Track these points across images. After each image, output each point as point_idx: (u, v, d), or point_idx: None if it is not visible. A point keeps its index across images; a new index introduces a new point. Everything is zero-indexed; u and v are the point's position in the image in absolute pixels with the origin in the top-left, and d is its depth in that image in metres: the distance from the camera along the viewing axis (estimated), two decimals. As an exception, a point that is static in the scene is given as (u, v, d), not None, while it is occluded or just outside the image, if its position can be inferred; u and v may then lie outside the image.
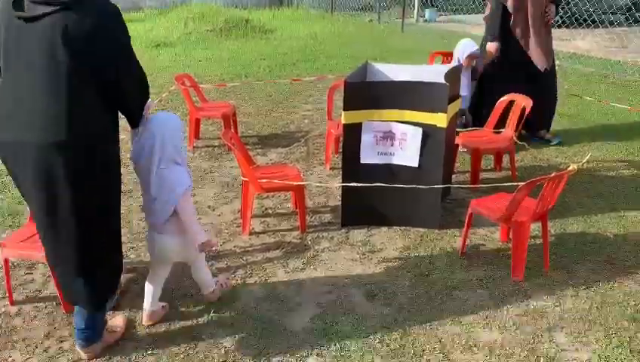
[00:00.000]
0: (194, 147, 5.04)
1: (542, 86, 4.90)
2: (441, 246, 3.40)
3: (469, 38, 4.91)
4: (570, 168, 2.84)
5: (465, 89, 4.63)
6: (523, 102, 4.20)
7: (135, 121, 2.39)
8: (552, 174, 2.87)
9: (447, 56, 6.16)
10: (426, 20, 14.18)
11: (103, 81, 2.14)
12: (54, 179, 2.10)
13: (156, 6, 13.75)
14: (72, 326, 2.60)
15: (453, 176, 4.26)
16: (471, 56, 4.69)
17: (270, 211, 3.89)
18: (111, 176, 2.32)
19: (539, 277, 3.06)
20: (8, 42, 2.08)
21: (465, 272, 3.12)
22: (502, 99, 4.38)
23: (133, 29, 10.61)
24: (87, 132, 2.13)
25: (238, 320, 2.73)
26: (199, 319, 2.74)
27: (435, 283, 3.02)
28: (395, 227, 3.61)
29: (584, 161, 3.36)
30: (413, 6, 14.33)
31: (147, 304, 2.68)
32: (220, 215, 3.83)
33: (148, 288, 2.67)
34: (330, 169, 4.56)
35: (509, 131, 4.26)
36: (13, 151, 2.12)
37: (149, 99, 2.42)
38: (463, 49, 4.71)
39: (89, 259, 2.27)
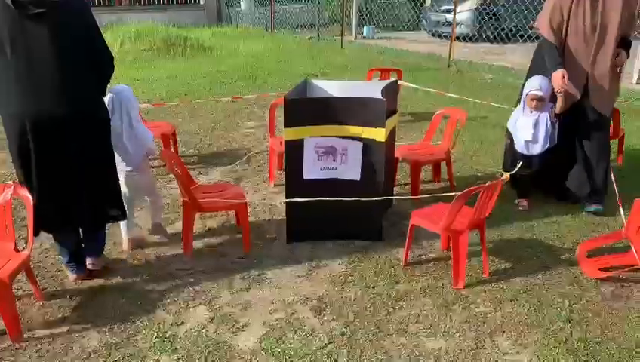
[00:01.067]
0: (133, 168, 4.90)
1: (597, 139, 4.00)
2: (385, 258, 3.45)
3: (540, 76, 3.87)
4: (504, 177, 2.96)
5: (526, 131, 3.88)
6: (458, 115, 4.35)
7: (104, 88, 3.09)
8: (487, 183, 2.98)
9: (384, 72, 6.33)
10: (364, 37, 14.49)
11: (88, 50, 2.88)
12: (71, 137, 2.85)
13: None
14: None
15: (395, 188, 4.35)
16: (532, 97, 3.84)
17: (213, 231, 3.82)
18: (107, 135, 3.10)
19: (479, 284, 3.15)
20: (14, 33, 2.68)
21: (409, 282, 3.18)
22: (437, 112, 4.53)
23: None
24: (85, 103, 2.93)
25: (183, 344, 2.66)
26: (142, 344, 2.65)
27: (380, 295, 3.05)
28: (339, 241, 3.63)
29: (516, 169, 3.51)
30: (352, 23, 14.62)
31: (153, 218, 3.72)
32: (160, 237, 3.73)
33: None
34: (275, 186, 4.55)
35: (445, 144, 4.39)
36: (34, 119, 2.74)
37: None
38: (527, 87, 3.93)
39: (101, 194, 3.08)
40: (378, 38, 14.29)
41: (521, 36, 10.67)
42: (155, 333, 2.73)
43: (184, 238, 3.53)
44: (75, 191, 2.94)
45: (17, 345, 2.62)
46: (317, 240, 3.63)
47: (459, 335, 2.72)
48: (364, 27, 14.79)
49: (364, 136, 3.43)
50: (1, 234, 2.91)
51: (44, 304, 2.96)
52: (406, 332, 2.75)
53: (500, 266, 3.34)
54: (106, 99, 3.15)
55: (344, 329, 2.77)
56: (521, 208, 4.11)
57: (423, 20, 15.07)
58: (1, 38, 2.67)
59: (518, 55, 9.80)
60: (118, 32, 11.94)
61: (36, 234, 2.91)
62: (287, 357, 2.57)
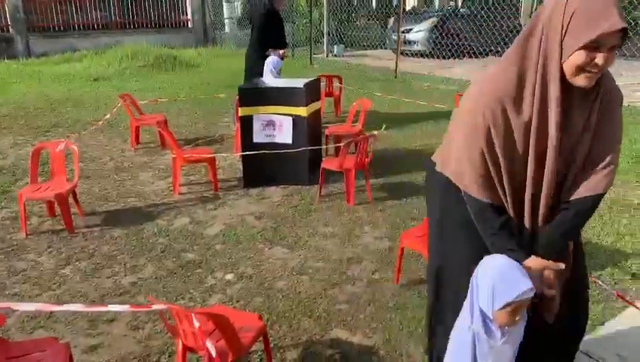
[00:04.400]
0: (134, 148, 6.64)
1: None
2: (308, 193, 5.19)
3: (505, 264, 1.94)
4: (375, 133, 4.72)
5: None
6: (366, 104, 6.18)
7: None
8: (361, 137, 4.75)
9: (329, 77, 8.14)
10: (335, 55, 16.38)
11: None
12: None
13: (90, 47, 15.17)
14: None
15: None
16: (518, 305, 1.87)
17: (191, 179, 5.57)
18: None
19: (364, 203, 4.90)
20: None
21: (319, 204, 4.92)
22: (353, 103, 6.33)
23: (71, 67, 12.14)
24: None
25: (173, 234, 4.38)
26: (147, 234, 4.36)
27: (301, 210, 4.80)
28: (281, 185, 5.37)
29: (382, 129, 5.23)
30: (324, 43, 16.53)
31: None
32: (157, 186, 5.46)
33: None
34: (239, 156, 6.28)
35: (359, 126, 6.20)
36: None
37: None
38: (496, 295, 1.88)
39: None
40: (347, 56, 16.19)
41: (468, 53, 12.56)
42: (155, 228, 4.45)
43: (173, 180, 5.26)
44: None
45: (72, 233, 4.33)
46: (265, 185, 5.38)
47: (341, 225, 4.46)
48: (335, 46, 16.70)
49: (292, 113, 5.20)
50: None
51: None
52: (311, 226, 4.49)
53: (378, 194, 5.08)
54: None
55: (273, 225, 4.50)
56: None
57: (387, 40, 17.03)
58: None
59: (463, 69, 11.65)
60: (117, 52, 13.74)
61: None
62: (235, 237, 4.30)
